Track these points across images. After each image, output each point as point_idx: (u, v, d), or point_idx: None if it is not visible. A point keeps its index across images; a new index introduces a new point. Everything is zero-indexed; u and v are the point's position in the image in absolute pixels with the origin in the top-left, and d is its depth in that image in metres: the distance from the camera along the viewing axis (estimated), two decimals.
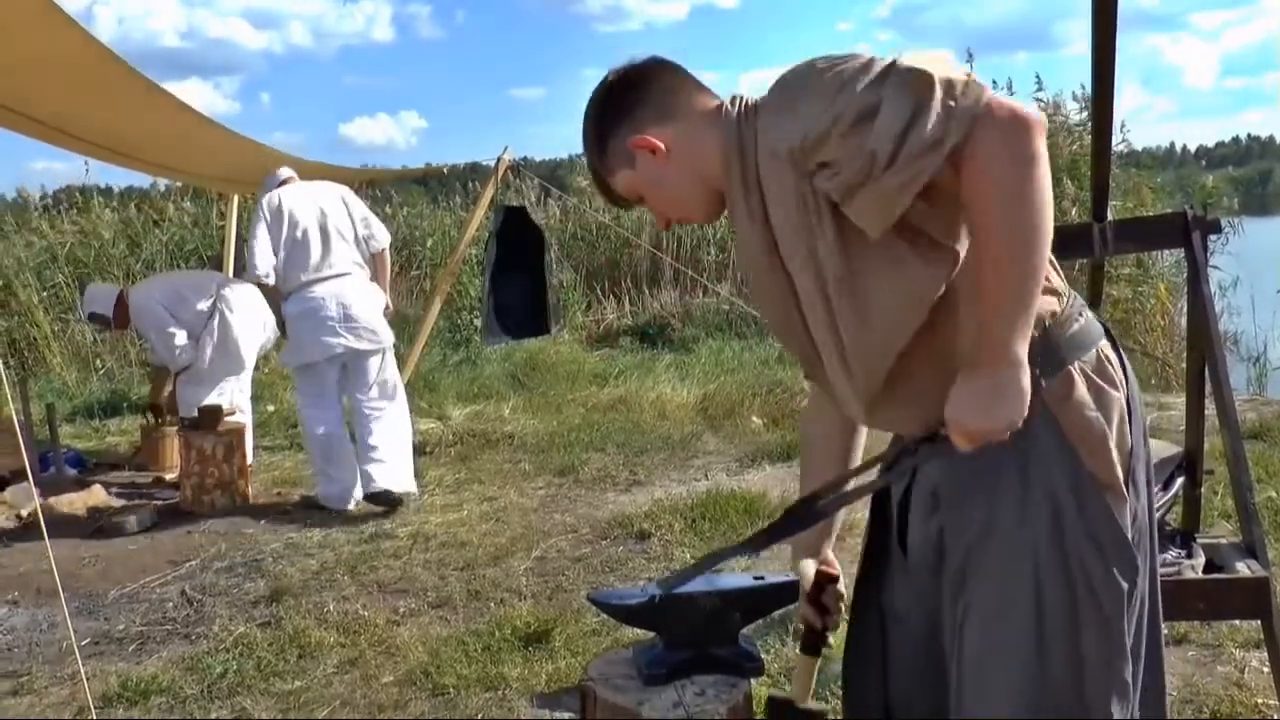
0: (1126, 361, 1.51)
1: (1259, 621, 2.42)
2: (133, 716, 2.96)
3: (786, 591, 1.84)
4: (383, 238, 5.13)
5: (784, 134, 1.33)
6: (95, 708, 2.86)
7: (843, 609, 1.65)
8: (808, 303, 1.42)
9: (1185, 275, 2.94)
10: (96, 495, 5.13)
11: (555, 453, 5.83)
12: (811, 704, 1.60)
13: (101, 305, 5.65)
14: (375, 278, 5.11)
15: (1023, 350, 1.28)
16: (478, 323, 9.05)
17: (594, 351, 9.31)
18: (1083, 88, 9.52)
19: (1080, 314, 1.46)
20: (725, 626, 1.80)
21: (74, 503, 4.99)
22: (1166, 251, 7.86)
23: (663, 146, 1.47)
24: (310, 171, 5.52)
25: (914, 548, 1.55)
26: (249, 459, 5.34)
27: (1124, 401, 1.45)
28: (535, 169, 11.65)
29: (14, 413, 5.11)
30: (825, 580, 1.61)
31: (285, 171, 5.20)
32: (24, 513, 4.83)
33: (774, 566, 3.86)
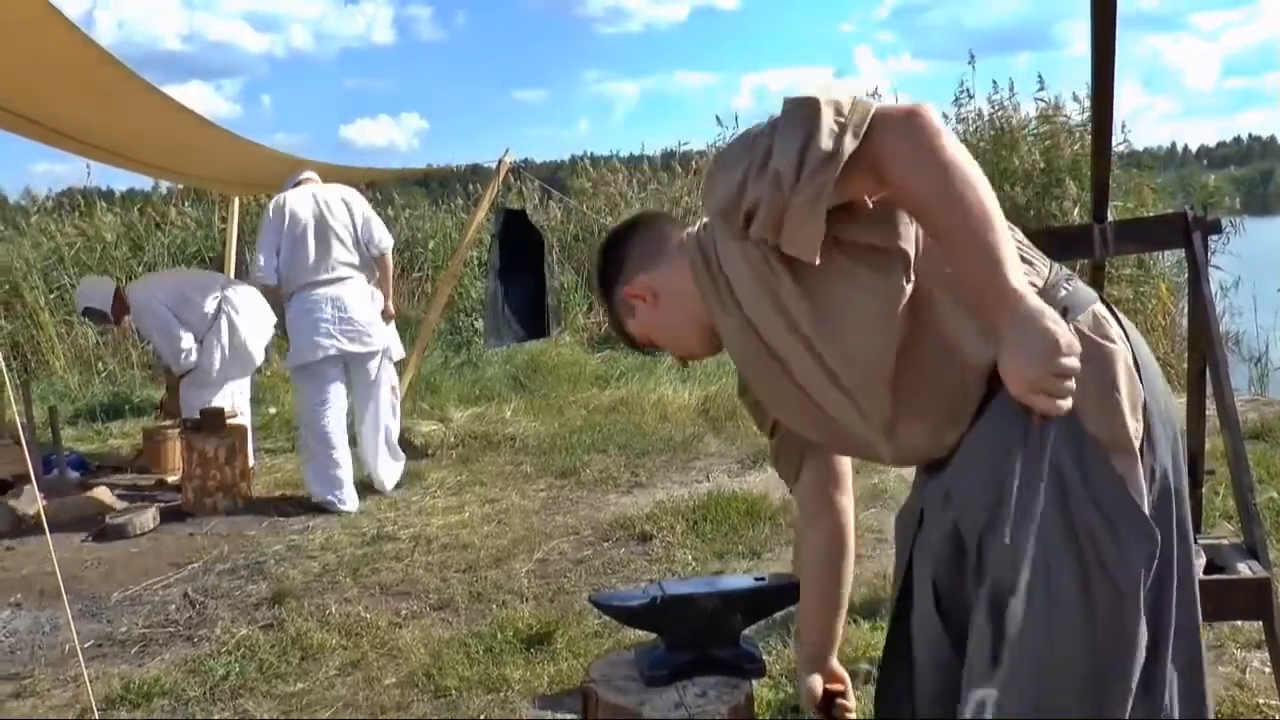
0: (1127, 321, 1.48)
1: (1260, 622, 2.43)
2: (135, 718, 2.97)
3: (788, 593, 1.85)
4: (384, 241, 5.14)
5: (714, 204, 1.42)
6: (98, 710, 2.87)
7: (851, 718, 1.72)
8: (795, 362, 1.45)
9: (1186, 275, 2.94)
10: (99, 498, 5.13)
11: (557, 455, 5.84)
12: None
13: (98, 300, 5.59)
14: (377, 280, 5.14)
15: (1019, 282, 1.24)
16: (478, 325, 9.07)
17: (595, 353, 9.31)
18: (1086, 86, 9.50)
19: (1068, 282, 1.45)
20: (727, 628, 1.80)
21: (76, 506, 5.00)
22: (1167, 251, 7.85)
23: (649, 293, 1.59)
24: (316, 171, 5.56)
25: (932, 547, 1.49)
26: (250, 461, 5.35)
27: (1129, 355, 1.41)
28: (536, 170, 11.64)
29: (16, 415, 5.11)
30: (833, 695, 1.69)
31: (306, 173, 5.25)
32: (28, 514, 4.83)
33: (775, 568, 3.86)
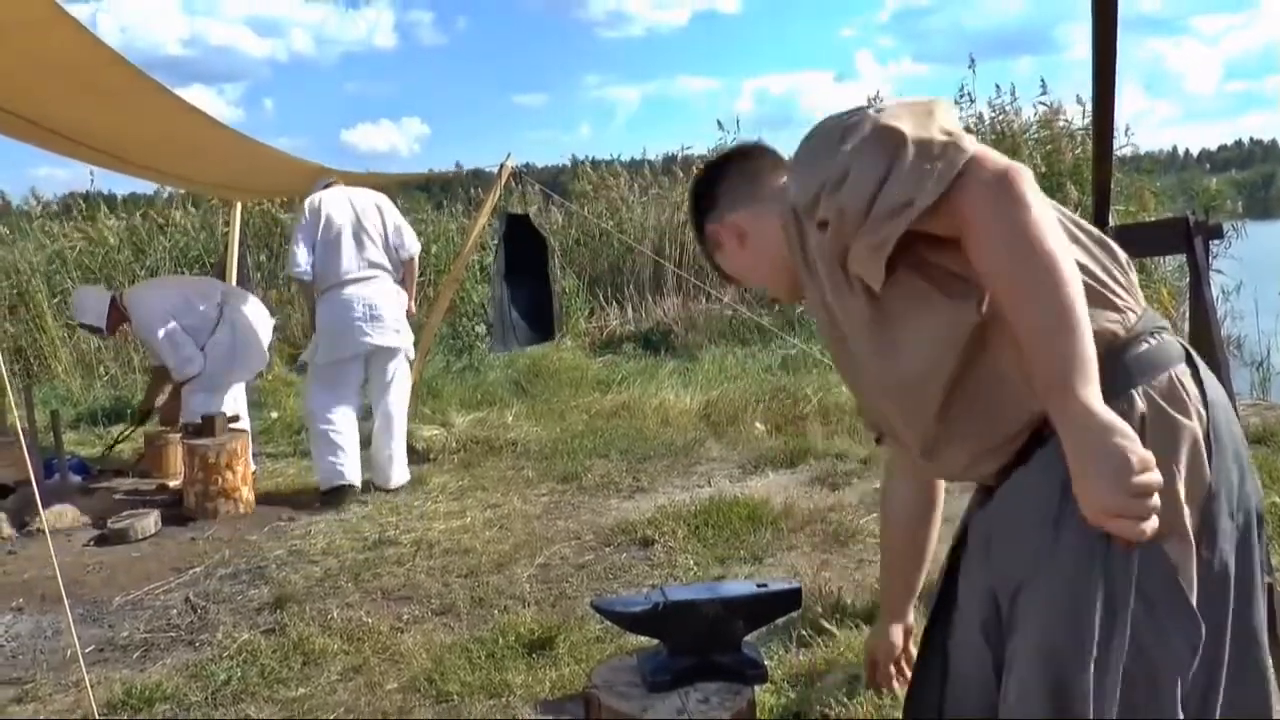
0: (1214, 389, 1.36)
1: None
2: None
3: (789, 599, 1.85)
4: (413, 246, 5.52)
5: (795, 198, 1.39)
6: (100, 715, 2.87)
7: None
8: (863, 359, 1.42)
9: (1188, 280, 2.94)
10: (101, 502, 5.13)
11: (558, 459, 5.84)
12: None
13: (92, 316, 5.56)
14: (403, 282, 5.41)
15: (1086, 393, 1.14)
16: (480, 329, 9.08)
17: (597, 358, 9.32)
18: (1088, 90, 9.52)
19: (1153, 335, 1.34)
20: (729, 633, 1.80)
21: (77, 513, 4.99)
22: (1169, 256, 7.85)
23: (738, 233, 1.56)
24: (318, 174, 5.63)
25: (968, 597, 1.47)
26: (251, 466, 5.35)
27: (1198, 432, 1.30)
28: (537, 175, 11.66)
29: (18, 420, 5.12)
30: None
31: (333, 177, 5.46)
32: (29, 520, 4.83)
33: (777, 573, 3.86)
